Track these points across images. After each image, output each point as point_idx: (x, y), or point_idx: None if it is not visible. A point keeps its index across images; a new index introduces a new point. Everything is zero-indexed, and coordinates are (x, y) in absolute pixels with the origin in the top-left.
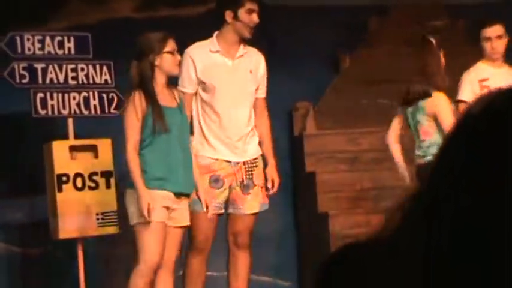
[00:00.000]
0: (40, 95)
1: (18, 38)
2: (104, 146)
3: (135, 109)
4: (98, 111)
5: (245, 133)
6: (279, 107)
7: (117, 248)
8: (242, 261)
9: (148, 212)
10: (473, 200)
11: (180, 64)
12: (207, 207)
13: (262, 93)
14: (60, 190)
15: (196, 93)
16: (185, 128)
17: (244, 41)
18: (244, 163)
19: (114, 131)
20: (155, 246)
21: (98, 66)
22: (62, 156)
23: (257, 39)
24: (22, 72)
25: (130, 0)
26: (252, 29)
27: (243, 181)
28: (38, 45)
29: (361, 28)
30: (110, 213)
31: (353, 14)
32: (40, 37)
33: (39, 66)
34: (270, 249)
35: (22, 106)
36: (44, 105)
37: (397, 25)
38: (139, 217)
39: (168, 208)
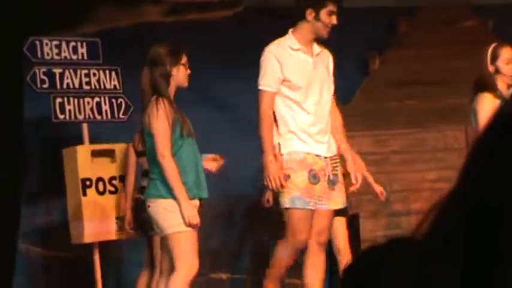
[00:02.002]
0: (59, 99)
1: (38, 43)
2: (121, 150)
3: (166, 115)
4: (109, 116)
5: (328, 129)
6: None
7: (128, 252)
8: (322, 261)
9: (193, 218)
10: (506, 201)
11: (262, 63)
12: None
13: (332, 89)
14: (84, 194)
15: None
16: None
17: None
18: (330, 158)
19: (121, 136)
20: (196, 253)
21: (107, 72)
22: (85, 161)
23: None
24: (42, 77)
25: (158, 5)
26: (330, 30)
27: (329, 176)
28: (55, 51)
29: (391, 30)
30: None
31: (382, 15)
32: (57, 42)
33: (57, 71)
34: (301, 252)
35: (36, 110)
36: (63, 110)
37: (426, 26)
38: (180, 226)
39: None
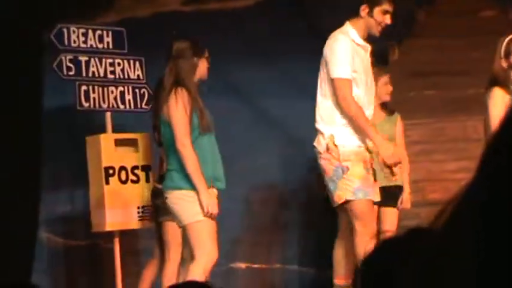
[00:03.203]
0: (84, 87)
1: (65, 30)
2: (144, 140)
3: (184, 105)
4: (132, 106)
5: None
6: None
7: (148, 241)
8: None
9: (212, 208)
10: None
11: (335, 51)
12: None
13: None
14: (107, 183)
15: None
16: (213, 125)
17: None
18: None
19: (142, 126)
20: (215, 241)
21: (131, 62)
22: (109, 149)
23: (308, 34)
24: (68, 64)
25: None
26: (383, 29)
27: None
28: (82, 38)
29: (410, 20)
30: (150, 207)
31: (401, 5)
32: (84, 30)
33: (83, 59)
34: (321, 241)
35: (60, 98)
36: (87, 98)
37: (445, 16)
38: (199, 215)
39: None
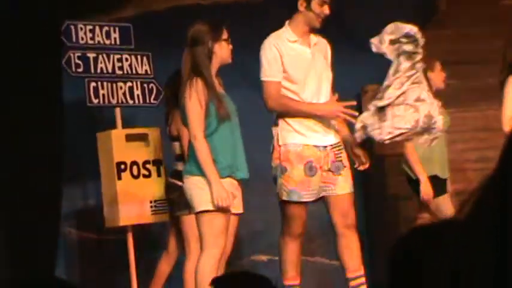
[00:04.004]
0: (93, 84)
1: (72, 27)
2: (154, 134)
3: (198, 96)
4: (141, 101)
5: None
6: (348, 89)
7: (161, 235)
8: (355, 241)
9: (223, 200)
10: None
11: (263, 55)
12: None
13: (331, 78)
14: (119, 178)
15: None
16: (236, 114)
17: (313, 29)
18: (332, 146)
19: (152, 120)
20: (224, 234)
21: (138, 57)
22: (120, 145)
23: (327, 22)
24: (77, 61)
25: None
26: (323, 20)
27: (334, 162)
28: (89, 35)
29: (431, 9)
30: (162, 201)
31: None
32: (91, 27)
33: (91, 55)
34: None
35: (69, 94)
36: (96, 94)
37: (466, 5)
38: (208, 204)
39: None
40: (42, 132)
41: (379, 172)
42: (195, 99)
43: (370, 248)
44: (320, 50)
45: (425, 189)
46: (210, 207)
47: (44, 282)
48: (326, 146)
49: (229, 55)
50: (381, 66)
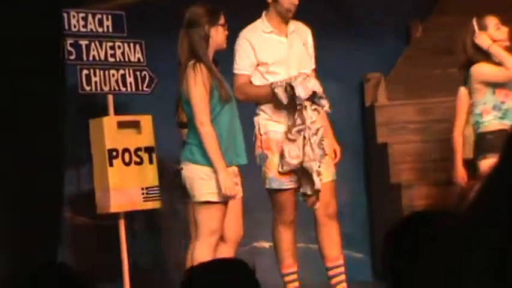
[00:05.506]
0: (85, 71)
1: (65, 15)
2: (146, 122)
3: (203, 82)
4: (133, 89)
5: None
6: (350, 77)
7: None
8: (336, 230)
9: (230, 190)
10: None
11: (236, 48)
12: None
13: (313, 64)
14: (111, 165)
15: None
16: (234, 98)
17: (292, 16)
18: (313, 134)
19: (143, 107)
20: (221, 223)
21: (131, 45)
22: (111, 132)
23: (327, 10)
24: (70, 48)
25: None
26: (294, 10)
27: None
28: (82, 23)
29: None
30: (154, 188)
31: None
32: (83, 14)
33: (83, 43)
34: (342, 220)
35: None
36: (89, 81)
37: None
38: (210, 196)
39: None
40: (44, 119)
41: (382, 160)
42: (200, 85)
43: (372, 237)
44: (299, 37)
45: None
46: (212, 199)
47: (48, 270)
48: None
49: (224, 41)
50: (382, 54)
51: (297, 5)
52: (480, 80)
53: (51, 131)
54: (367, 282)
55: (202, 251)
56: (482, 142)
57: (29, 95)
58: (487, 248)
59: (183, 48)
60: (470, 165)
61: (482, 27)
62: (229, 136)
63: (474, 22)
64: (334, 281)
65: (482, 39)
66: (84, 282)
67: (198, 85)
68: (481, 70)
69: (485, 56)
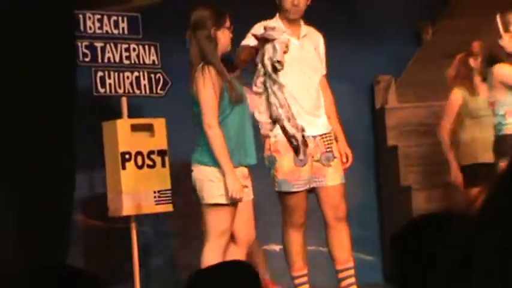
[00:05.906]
0: (100, 73)
1: (81, 17)
2: (159, 125)
3: (213, 85)
4: (148, 91)
5: (317, 108)
6: (361, 80)
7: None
8: (345, 233)
9: (237, 193)
10: None
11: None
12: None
13: (323, 69)
14: (124, 168)
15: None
16: (246, 97)
17: (304, 21)
18: (322, 136)
19: (157, 111)
20: (230, 224)
21: (146, 47)
22: (125, 135)
23: (338, 13)
24: (84, 50)
25: None
26: (294, 11)
27: (324, 153)
28: (97, 24)
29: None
30: (166, 192)
31: None
32: (99, 16)
33: (98, 45)
34: (352, 223)
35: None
36: (103, 83)
37: None
38: (219, 198)
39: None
40: (56, 120)
41: (392, 163)
42: (209, 87)
43: (382, 240)
44: (310, 41)
45: None
46: (221, 201)
47: (59, 271)
48: (315, 136)
49: (229, 44)
50: (393, 56)
51: (297, 6)
52: (500, 80)
53: (62, 131)
54: (378, 285)
55: (211, 253)
56: (504, 144)
57: (40, 96)
58: (490, 249)
59: (194, 50)
60: (472, 170)
61: (506, 24)
62: (237, 137)
63: (498, 19)
64: (344, 283)
65: (506, 42)
66: (97, 284)
67: (206, 87)
68: (502, 71)
69: (508, 57)
